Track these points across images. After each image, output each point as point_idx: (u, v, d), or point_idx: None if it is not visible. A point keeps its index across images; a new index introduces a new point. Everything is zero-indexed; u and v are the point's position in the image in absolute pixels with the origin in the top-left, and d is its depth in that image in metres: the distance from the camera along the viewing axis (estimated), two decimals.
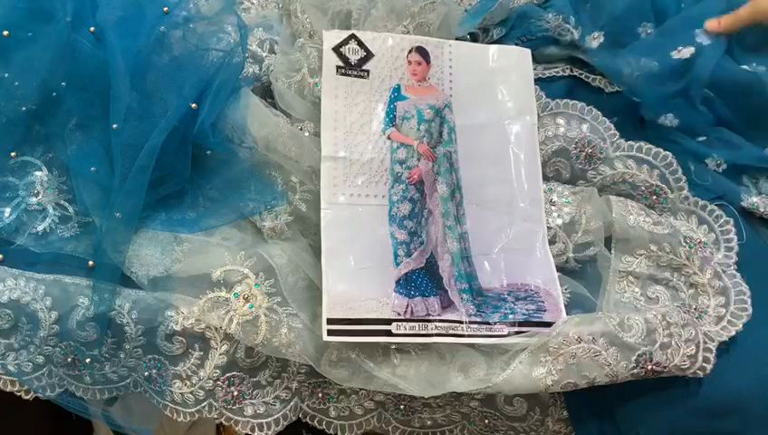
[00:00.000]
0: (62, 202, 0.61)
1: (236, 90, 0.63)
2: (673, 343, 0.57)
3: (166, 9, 0.60)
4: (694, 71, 0.68)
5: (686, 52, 0.68)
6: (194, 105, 0.59)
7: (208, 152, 0.62)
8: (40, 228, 0.60)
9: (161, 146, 0.57)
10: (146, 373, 0.60)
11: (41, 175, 0.61)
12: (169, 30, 0.61)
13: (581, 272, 0.65)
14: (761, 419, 0.58)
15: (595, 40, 0.72)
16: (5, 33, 0.58)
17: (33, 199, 0.61)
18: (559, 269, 0.63)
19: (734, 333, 0.60)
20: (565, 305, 0.61)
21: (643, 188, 0.66)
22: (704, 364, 0.58)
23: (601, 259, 0.65)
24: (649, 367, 0.57)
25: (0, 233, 0.60)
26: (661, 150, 0.66)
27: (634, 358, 0.56)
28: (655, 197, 0.66)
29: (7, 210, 0.60)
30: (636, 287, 0.63)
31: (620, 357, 0.56)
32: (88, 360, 0.58)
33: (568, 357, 0.56)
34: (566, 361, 0.56)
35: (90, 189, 0.59)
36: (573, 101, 0.67)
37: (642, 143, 0.66)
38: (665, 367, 0.57)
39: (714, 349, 0.58)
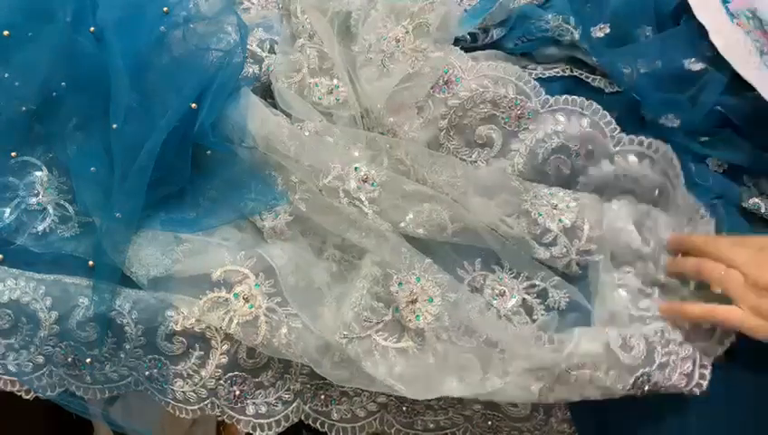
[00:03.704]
0: (62, 202, 0.61)
1: (236, 90, 0.63)
2: (671, 362, 0.56)
3: (166, 9, 0.60)
4: (705, 88, 0.67)
5: (696, 65, 0.68)
6: (194, 105, 0.59)
7: (208, 152, 0.62)
8: (40, 228, 0.60)
9: (161, 146, 0.57)
10: (146, 373, 0.59)
11: (41, 175, 0.61)
12: (169, 30, 0.61)
13: (582, 277, 0.63)
14: (761, 425, 0.58)
15: (601, 30, 0.71)
16: (5, 33, 0.58)
17: (33, 199, 0.61)
18: (560, 274, 0.62)
19: (728, 345, 0.59)
20: (563, 311, 0.60)
21: (644, 184, 0.65)
22: (700, 381, 0.57)
23: (594, 268, 0.63)
24: (646, 388, 0.56)
25: (0, 233, 0.60)
26: None
27: (632, 381, 0.55)
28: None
29: (7, 210, 0.60)
30: (629, 297, 0.62)
31: (618, 380, 0.55)
32: (88, 360, 0.58)
33: (570, 380, 0.55)
34: (567, 382, 0.56)
35: (90, 189, 0.59)
36: (573, 97, 0.67)
37: (643, 138, 0.66)
38: (662, 386, 0.56)
39: (709, 365, 0.57)
